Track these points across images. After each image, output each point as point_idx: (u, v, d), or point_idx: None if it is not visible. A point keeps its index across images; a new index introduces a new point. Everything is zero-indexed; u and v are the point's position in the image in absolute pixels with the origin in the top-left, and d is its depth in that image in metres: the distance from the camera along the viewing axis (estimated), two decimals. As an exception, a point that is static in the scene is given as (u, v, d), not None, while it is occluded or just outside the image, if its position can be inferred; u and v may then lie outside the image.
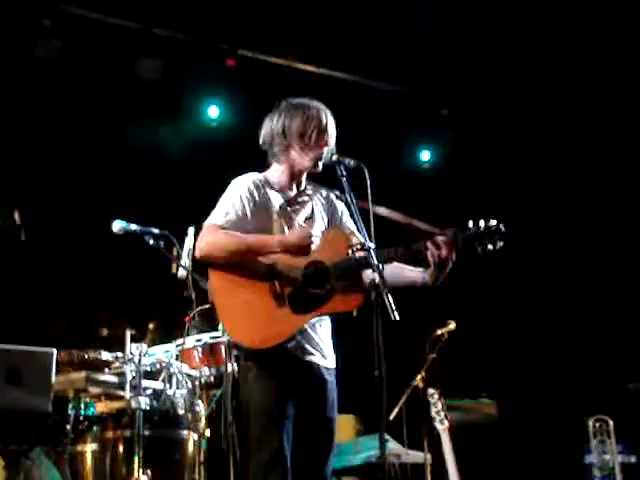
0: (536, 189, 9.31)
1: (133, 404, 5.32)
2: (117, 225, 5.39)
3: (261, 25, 8.41)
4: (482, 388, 8.38)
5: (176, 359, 5.73)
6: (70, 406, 5.46)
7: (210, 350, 5.80)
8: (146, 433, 5.27)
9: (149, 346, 5.85)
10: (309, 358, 4.05)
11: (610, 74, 8.51)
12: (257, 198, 4.11)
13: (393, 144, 9.47)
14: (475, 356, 9.00)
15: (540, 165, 9.28)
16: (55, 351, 5.43)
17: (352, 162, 3.95)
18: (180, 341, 5.85)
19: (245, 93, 8.75)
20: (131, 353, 5.49)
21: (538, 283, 9.17)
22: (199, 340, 5.83)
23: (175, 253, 5.54)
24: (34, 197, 7.97)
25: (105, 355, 5.65)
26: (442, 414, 6.48)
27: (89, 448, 5.38)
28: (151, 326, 6.46)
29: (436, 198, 9.37)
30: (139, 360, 5.42)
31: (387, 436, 6.99)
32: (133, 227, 5.42)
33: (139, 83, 8.50)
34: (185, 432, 5.55)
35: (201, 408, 5.74)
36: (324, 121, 4.18)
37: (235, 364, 4.53)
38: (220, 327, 5.42)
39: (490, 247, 3.93)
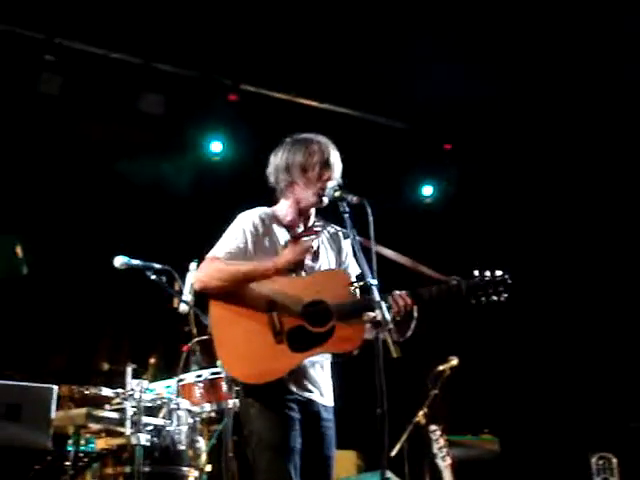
0: (540, 224, 9.30)
1: (133, 440, 5.28)
2: (119, 260, 5.39)
3: (264, 60, 8.45)
4: (484, 424, 8.33)
5: (177, 395, 5.70)
6: (70, 442, 5.43)
7: (211, 386, 5.77)
8: (146, 470, 5.23)
9: (150, 381, 5.82)
10: (307, 395, 4.02)
11: (618, 113, 8.54)
12: (261, 233, 4.09)
13: (395, 179, 9.49)
14: (477, 392, 8.96)
15: (543, 202, 9.28)
16: (56, 387, 5.40)
17: (355, 198, 3.93)
18: (181, 376, 5.83)
19: (248, 128, 8.78)
20: (132, 389, 5.46)
21: (541, 320, 9.14)
22: (199, 376, 5.81)
23: (177, 288, 5.53)
24: (36, 232, 7.99)
25: (106, 391, 5.61)
26: (444, 450, 6.45)
27: (89, 485, 5.35)
28: (152, 361, 6.42)
29: (438, 232, 9.38)
30: (140, 396, 5.39)
31: (389, 473, 6.94)
32: (135, 262, 5.42)
33: (142, 118, 8.53)
34: (186, 469, 5.50)
35: (202, 444, 5.71)
36: (326, 155, 4.17)
37: (236, 399, 4.49)
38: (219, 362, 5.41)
39: (494, 298, 3.96)
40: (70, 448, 5.39)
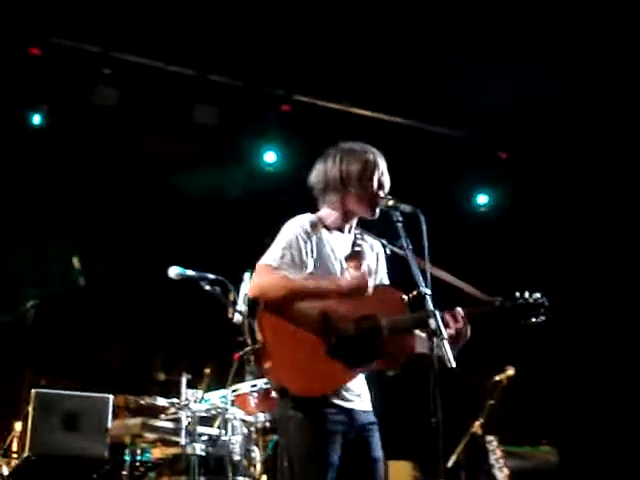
0: (592, 237, 9.18)
1: (189, 450, 5.32)
2: (174, 271, 5.42)
3: (316, 71, 8.47)
4: (542, 435, 8.22)
5: (232, 405, 5.72)
6: (126, 452, 5.48)
7: (265, 395, 5.78)
8: (202, 479, 5.26)
9: (205, 391, 5.86)
10: (348, 405, 4.00)
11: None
12: (313, 240, 4.08)
13: (449, 187, 9.44)
14: (535, 402, 8.85)
15: (599, 215, 9.16)
16: (112, 397, 5.46)
17: (408, 208, 3.90)
18: (236, 386, 5.85)
19: (301, 138, 8.80)
20: (187, 399, 5.49)
21: (600, 325, 9.01)
22: (254, 385, 5.83)
23: (231, 298, 5.54)
24: (93, 243, 8.09)
25: (161, 401, 5.67)
26: (501, 461, 6.38)
27: (145, 494, 5.40)
28: (207, 371, 6.45)
29: (492, 242, 9.31)
30: (195, 406, 5.42)
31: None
32: (189, 273, 5.44)
33: (197, 129, 8.60)
34: (241, 478, 5.53)
35: (257, 454, 5.72)
36: (382, 167, 4.15)
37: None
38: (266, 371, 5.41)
39: (533, 320, 3.96)
40: (126, 457, 5.45)
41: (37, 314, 6.54)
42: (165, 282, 5.48)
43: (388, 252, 4.22)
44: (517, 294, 3.97)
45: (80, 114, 8.33)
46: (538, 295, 3.96)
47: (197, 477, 5.22)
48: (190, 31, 7.99)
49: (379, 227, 4.26)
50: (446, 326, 3.83)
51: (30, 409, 5.37)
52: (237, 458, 5.56)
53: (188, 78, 8.55)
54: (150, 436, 5.51)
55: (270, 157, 9.02)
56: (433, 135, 9.46)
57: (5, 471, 5.67)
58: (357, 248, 4.18)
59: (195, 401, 5.48)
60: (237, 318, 5.52)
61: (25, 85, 8.07)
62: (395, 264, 4.31)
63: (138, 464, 5.47)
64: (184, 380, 5.68)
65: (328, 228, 4.16)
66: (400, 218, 3.92)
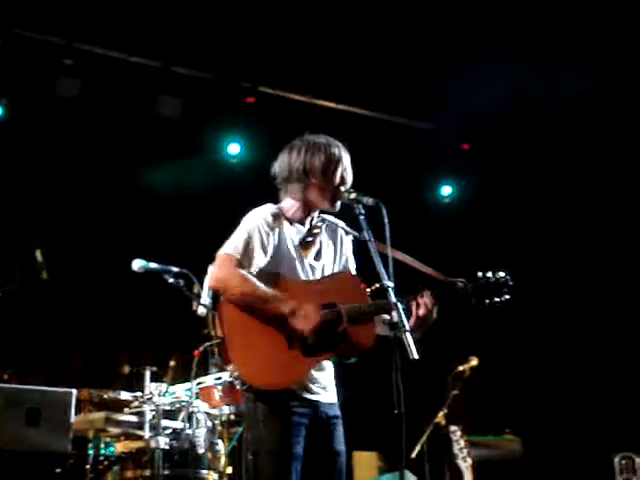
0: (556, 224, 9.26)
1: (153, 444, 5.30)
2: (137, 264, 5.40)
3: (280, 62, 8.46)
4: (506, 424, 8.29)
5: (196, 397, 5.70)
6: (90, 446, 5.45)
7: (230, 388, 5.78)
8: (166, 473, 5.26)
9: (170, 384, 5.84)
10: (313, 397, 4.02)
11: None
12: (273, 231, 4.07)
13: (413, 179, 9.47)
14: (498, 392, 8.93)
15: (559, 202, 9.23)
16: (75, 391, 5.43)
17: (370, 200, 3.92)
18: (200, 379, 5.84)
19: (265, 130, 8.79)
20: (150, 392, 5.47)
21: (562, 315, 9.09)
22: (219, 378, 5.81)
23: (195, 291, 5.53)
24: (55, 236, 8.03)
25: (124, 395, 5.64)
26: (465, 451, 6.43)
27: (109, 488, 5.37)
28: (172, 363, 6.43)
29: (455, 233, 9.37)
30: (158, 399, 5.40)
31: (409, 474, 6.93)
32: (153, 265, 5.42)
33: (159, 121, 8.56)
34: (205, 471, 5.52)
35: (221, 447, 5.72)
36: (345, 160, 4.18)
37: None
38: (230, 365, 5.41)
39: (497, 299, 3.97)
40: (90, 452, 5.43)
41: (-1, 308, 6.48)
42: (129, 275, 5.45)
43: (350, 238, 4.24)
44: (479, 274, 3.99)
45: (42, 105, 8.26)
46: (502, 274, 3.97)
47: (161, 470, 5.21)
48: (154, 22, 7.93)
49: (342, 220, 4.28)
50: (417, 309, 3.87)
51: (-8, 404, 5.33)
52: (201, 451, 5.55)
53: (152, 69, 8.50)
54: (114, 430, 5.49)
55: (234, 149, 9.00)
56: (397, 127, 9.48)
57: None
58: (310, 238, 4.19)
59: (159, 394, 5.46)
60: (201, 310, 5.50)
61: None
62: (355, 257, 4.34)
63: (102, 458, 5.44)
64: (148, 373, 5.66)
65: (289, 220, 4.17)
66: (362, 211, 3.94)
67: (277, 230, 4.09)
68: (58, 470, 5.31)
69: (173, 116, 8.51)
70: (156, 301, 7.96)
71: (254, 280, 3.94)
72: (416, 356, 3.50)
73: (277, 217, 4.12)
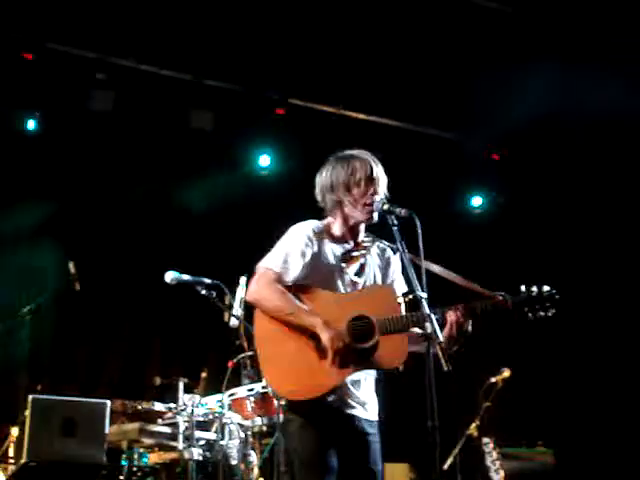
0: (588, 235, 9.20)
1: (186, 455, 5.33)
2: (169, 275, 5.41)
3: (311, 74, 8.49)
4: (538, 436, 8.23)
5: (228, 409, 5.72)
6: (124, 457, 5.48)
7: (262, 400, 5.78)
8: (199, 484, 5.28)
9: (202, 395, 5.86)
10: (350, 411, 3.99)
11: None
12: (314, 247, 4.07)
13: (444, 190, 9.45)
14: (531, 404, 8.87)
15: (592, 215, 9.18)
16: (109, 402, 5.46)
17: (403, 211, 3.90)
18: (233, 390, 5.85)
19: (296, 141, 8.82)
20: (184, 404, 5.50)
21: (595, 327, 9.03)
22: (251, 390, 5.82)
23: (227, 302, 5.55)
24: (88, 248, 8.09)
25: (158, 406, 5.67)
26: (497, 463, 6.37)
27: (143, 499, 5.40)
28: (204, 375, 6.46)
29: (486, 244, 9.34)
30: (192, 411, 5.42)
31: (441, 486, 6.90)
32: (185, 277, 5.43)
33: (191, 133, 8.61)
34: (238, 483, 5.53)
35: (254, 458, 5.72)
36: (369, 171, 4.12)
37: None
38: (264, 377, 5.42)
39: (542, 314, 3.90)
40: (124, 462, 5.45)
41: (33, 320, 6.53)
42: (162, 287, 5.48)
43: (398, 257, 4.20)
44: (522, 287, 3.93)
45: (75, 119, 8.34)
46: (547, 288, 3.91)
47: (195, 481, 5.23)
48: (185, 36, 8.00)
49: (377, 231, 4.27)
50: (447, 320, 3.85)
51: (27, 415, 5.38)
52: (234, 462, 5.57)
53: (183, 82, 8.56)
54: (147, 441, 5.52)
55: (265, 160, 9.03)
56: (428, 137, 9.48)
57: (2, 477, 5.66)
58: (354, 253, 4.18)
59: (192, 406, 5.48)
60: (233, 322, 5.52)
61: (19, 90, 8.07)
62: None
63: (135, 469, 5.47)
64: (181, 385, 5.68)
65: (333, 236, 4.16)
66: (395, 222, 3.92)
67: (317, 244, 4.08)
68: (93, 481, 5.34)
69: (205, 128, 8.56)
70: (188, 313, 7.98)
71: (289, 296, 3.95)
72: (449, 368, 3.48)
73: (319, 232, 4.12)
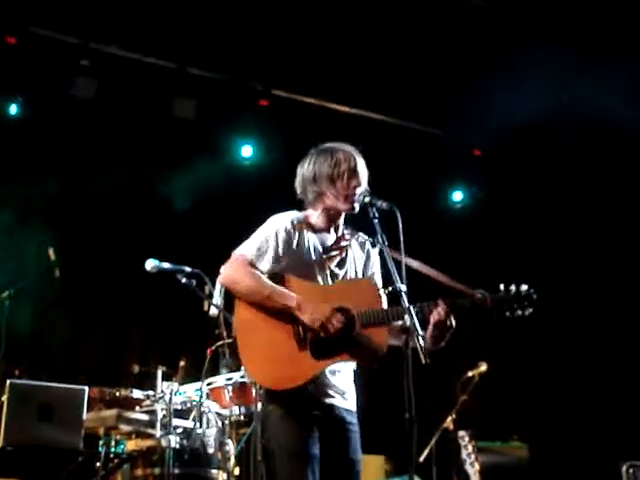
0: (568, 231, 9.26)
1: (163, 442, 5.34)
2: (150, 263, 5.41)
3: (295, 65, 8.49)
4: (514, 430, 8.29)
5: (207, 398, 5.73)
6: (101, 443, 5.49)
7: (240, 389, 5.80)
8: (176, 471, 5.28)
9: (180, 384, 5.87)
10: (330, 400, 4.02)
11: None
12: (293, 238, 4.08)
13: (425, 184, 9.48)
14: (507, 398, 8.93)
15: (573, 211, 9.24)
16: (87, 388, 5.47)
17: (384, 204, 3.92)
18: (211, 379, 5.87)
19: (278, 132, 8.82)
20: (162, 391, 5.50)
21: (572, 325, 9.10)
22: (230, 379, 5.84)
23: (207, 291, 5.55)
24: (69, 235, 8.07)
25: (136, 393, 5.67)
26: (473, 456, 6.43)
27: (119, 486, 5.41)
28: (182, 363, 6.46)
29: (467, 238, 9.38)
30: (170, 399, 5.43)
31: (417, 478, 6.93)
32: (165, 265, 5.43)
33: (173, 122, 8.59)
34: (214, 471, 5.54)
35: (231, 447, 5.74)
36: (352, 164, 4.15)
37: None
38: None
39: (519, 312, 3.91)
40: (101, 449, 5.46)
41: (11, 305, 6.52)
42: (142, 275, 5.48)
43: (377, 249, 4.22)
44: (501, 286, 3.93)
45: (57, 105, 8.30)
46: (526, 287, 3.91)
47: (171, 469, 5.23)
48: (169, 23, 7.98)
49: (357, 223, 4.28)
50: (429, 316, 3.87)
51: (5, 399, 5.37)
52: (211, 451, 5.58)
53: (167, 70, 8.54)
54: (125, 428, 5.53)
55: (247, 151, 9.03)
56: (410, 132, 9.50)
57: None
58: (335, 245, 4.19)
59: (170, 394, 5.48)
60: (213, 311, 5.52)
61: (1, 75, 8.02)
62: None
63: (112, 456, 5.48)
64: (160, 373, 5.69)
65: (313, 227, 4.18)
66: (376, 214, 3.94)
67: (297, 235, 4.09)
68: (69, 467, 5.34)
69: (188, 117, 8.55)
70: (167, 301, 7.98)
71: (263, 277, 3.97)
72: (427, 361, 3.50)
73: (299, 223, 4.13)
